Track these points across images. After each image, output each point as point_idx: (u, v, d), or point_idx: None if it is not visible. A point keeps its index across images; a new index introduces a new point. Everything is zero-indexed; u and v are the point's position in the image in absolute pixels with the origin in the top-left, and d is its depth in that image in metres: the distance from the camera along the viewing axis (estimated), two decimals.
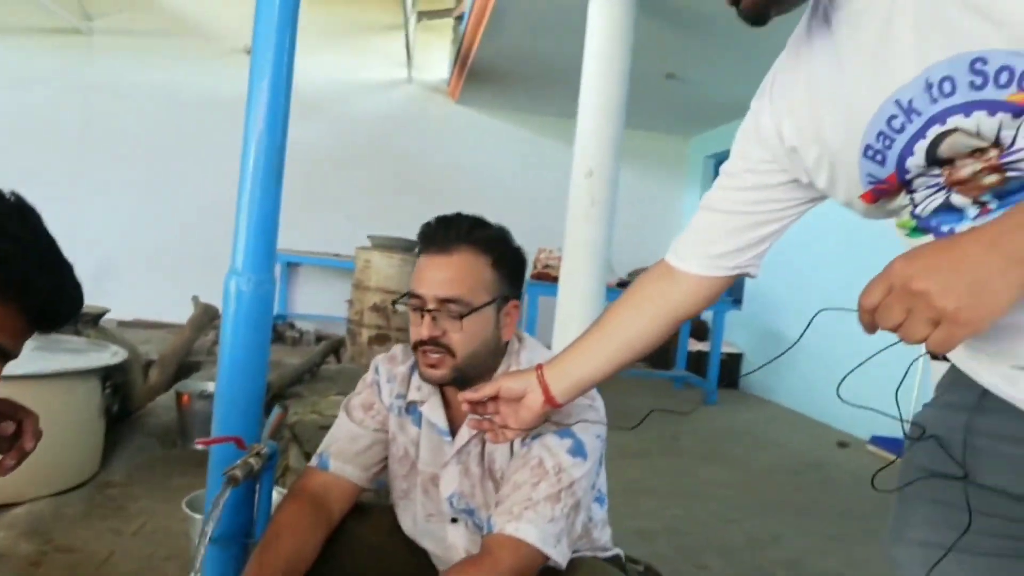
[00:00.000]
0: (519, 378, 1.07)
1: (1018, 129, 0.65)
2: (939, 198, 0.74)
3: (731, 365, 6.11)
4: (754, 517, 3.03)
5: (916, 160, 0.72)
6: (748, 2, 0.76)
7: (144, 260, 6.69)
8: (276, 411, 2.33)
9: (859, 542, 2.81)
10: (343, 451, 1.32)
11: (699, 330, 6.38)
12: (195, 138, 6.68)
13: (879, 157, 0.75)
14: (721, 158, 7.16)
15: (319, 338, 6.22)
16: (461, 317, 1.17)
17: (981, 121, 0.66)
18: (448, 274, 1.18)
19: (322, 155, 6.83)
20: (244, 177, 1.42)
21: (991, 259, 0.60)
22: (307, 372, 4.63)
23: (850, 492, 3.47)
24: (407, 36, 6.16)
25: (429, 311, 1.17)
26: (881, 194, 0.79)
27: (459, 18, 6.44)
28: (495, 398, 1.09)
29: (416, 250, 1.27)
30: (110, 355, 2.77)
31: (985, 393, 0.79)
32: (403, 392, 1.32)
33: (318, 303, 6.94)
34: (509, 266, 1.26)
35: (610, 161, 3.93)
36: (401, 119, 7.09)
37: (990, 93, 0.64)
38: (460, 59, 5.98)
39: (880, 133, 0.73)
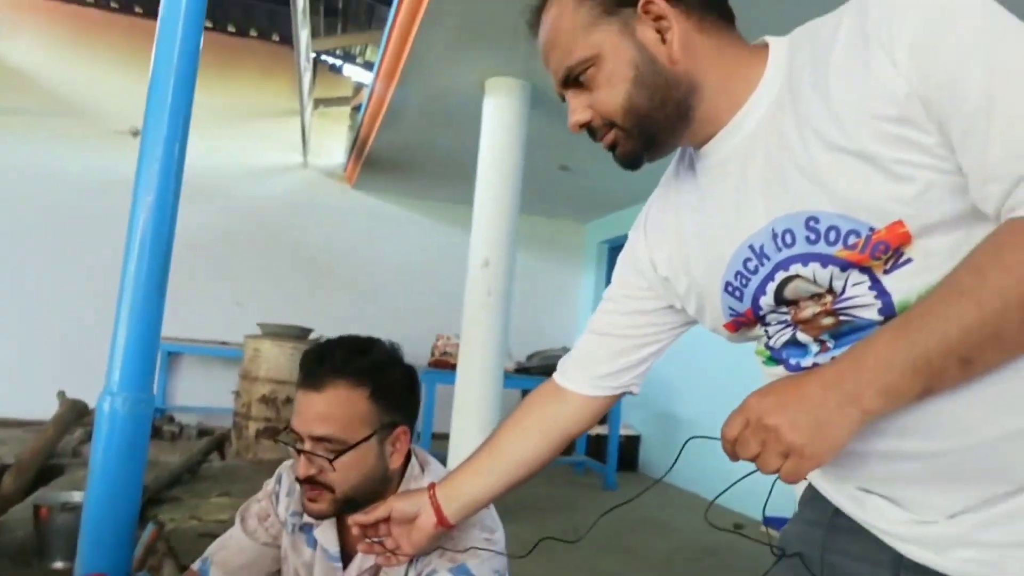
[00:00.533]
0: (411, 499, 1.07)
1: (846, 280, 0.73)
2: (787, 334, 0.81)
3: (629, 447, 6.19)
4: None
5: (767, 299, 0.80)
6: (622, 151, 0.84)
7: (2, 352, 6.13)
8: (150, 529, 2.14)
9: None
10: (227, 561, 1.25)
11: None
12: (68, 221, 6.30)
13: (737, 293, 0.83)
14: (614, 244, 7.46)
15: (201, 433, 5.84)
16: (335, 456, 1.12)
17: (816, 271, 0.74)
18: (320, 411, 1.13)
19: (212, 239, 6.60)
20: (124, 285, 1.33)
21: (830, 398, 0.67)
22: (187, 472, 4.32)
23: None
24: (303, 122, 6.15)
25: (304, 451, 1.13)
26: (740, 325, 0.87)
27: (356, 108, 6.52)
28: (387, 520, 1.07)
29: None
30: None
31: (837, 511, 0.85)
32: (299, 510, 1.26)
33: (201, 395, 6.55)
34: (392, 393, 1.20)
35: (506, 251, 4.00)
36: (296, 204, 6.99)
37: (822, 248, 0.73)
38: (357, 147, 6.01)
39: (738, 272, 0.82)
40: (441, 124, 4.96)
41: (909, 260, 0.70)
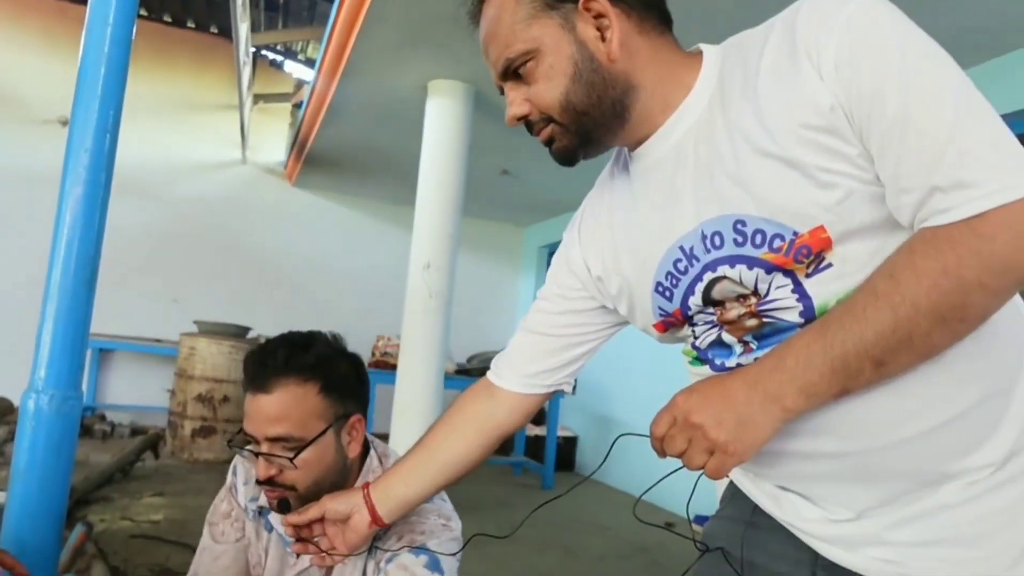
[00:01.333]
0: (345, 499, 1.07)
1: (770, 283, 0.76)
2: (713, 334, 0.84)
3: (567, 448, 6.28)
4: None
5: (695, 299, 0.83)
6: (559, 147, 0.85)
7: None
8: (79, 530, 2.11)
9: None
10: (210, 574, 1.25)
11: (536, 415, 6.52)
12: None
13: (667, 294, 0.85)
14: (553, 248, 7.55)
15: (135, 431, 5.69)
16: (295, 455, 1.12)
17: (743, 272, 0.77)
18: (272, 412, 1.13)
19: (144, 233, 6.42)
20: (51, 280, 1.31)
21: (753, 397, 0.71)
22: (119, 471, 4.22)
23: (676, 575, 3.63)
24: (242, 117, 6.05)
25: (261, 453, 1.13)
26: (669, 325, 0.89)
27: (297, 105, 6.44)
28: (320, 520, 1.08)
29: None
30: None
31: (756, 509, 0.89)
32: (256, 495, 1.27)
33: (134, 393, 6.36)
34: (342, 384, 1.21)
35: (448, 254, 4.02)
36: (235, 200, 6.84)
37: (748, 250, 0.76)
38: (298, 144, 5.94)
39: (668, 273, 0.84)
40: (384, 124, 4.95)
41: (829, 265, 0.73)
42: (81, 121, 1.38)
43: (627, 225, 0.89)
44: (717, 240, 0.77)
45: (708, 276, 0.80)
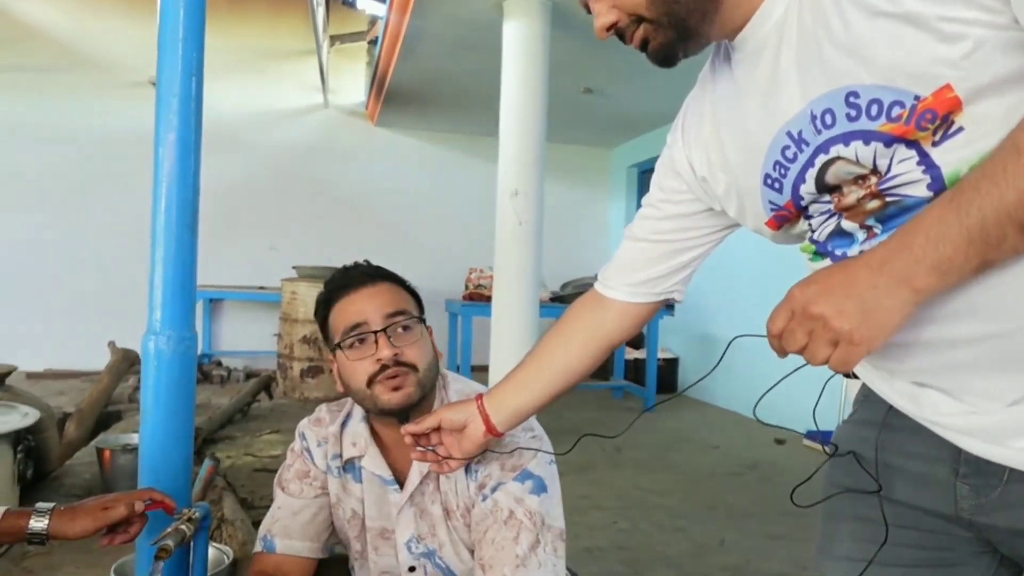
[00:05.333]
0: (460, 409, 1.10)
1: (891, 157, 0.69)
2: (832, 224, 0.78)
3: (668, 370, 6.22)
4: (699, 524, 3.07)
5: (808, 187, 0.76)
6: (655, 45, 0.79)
7: (53, 307, 6.32)
8: (207, 464, 2.23)
9: (800, 540, 2.87)
10: (288, 528, 1.27)
11: (635, 338, 6.46)
12: (101, 177, 6.36)
13: (777, 185, 0.79)
14: (644, 168, 7.32)
15: (248, 375, 6.01)
16: (409, 327, 1.19)
17: (859, 149, 0.70)
18: (384, 296, 1.20)
19: (239, 185, 6.64)
20: (156, 227, 1.34)
21: (879, 280, 0.64)
22: (238, 412, 4.47)
23: (789, 490, 3.55)
24: (320, 61, 6.07)
25: (381, 331, 1.16)
26: (783, 220, 0.83)
27: (372, 42, 6.39)
28: (437, 430, 1.10)
29: (327, 307, 1.25)
30: (20, 417, 2.59)
31: (891, 409, 0.83)
32: (338, 452, 1.27)
33: (245, 339, 6.71)
34: (416, 296, 1.29)
35: (535, 180, 3.95)
36: (319, 145, 6.96)
37: (864, 124, 0.68)
38: (376, 82, 5.92)
39: (776, 163, 0.78)
40: (461, 52, 4.84)
41: (960, 129, 0.65)
42: (168, 66, 1.38)
43: (731, 120, 0.84)
44: (828, 119, 0.71)
45: (821, 159, 0.73)
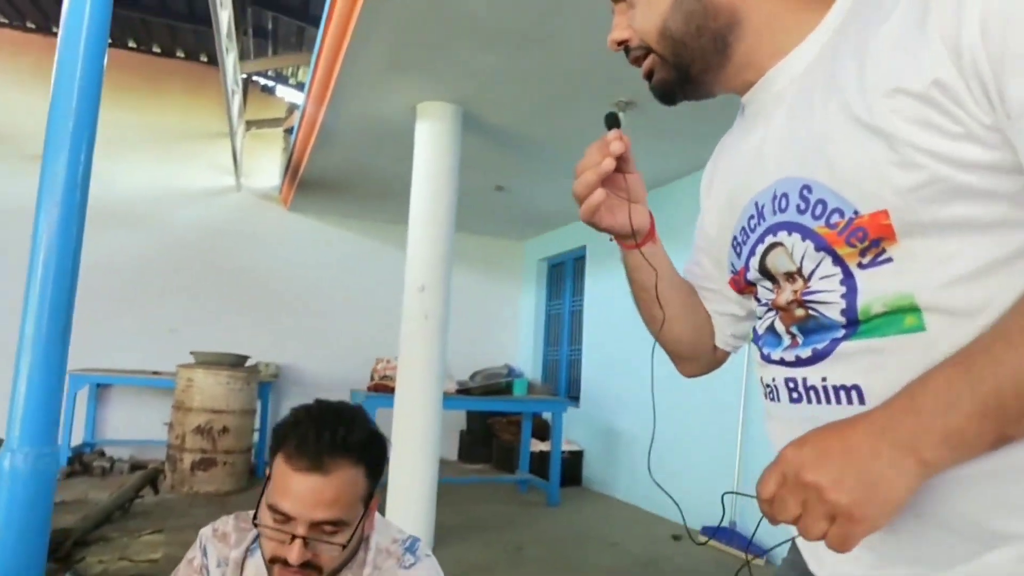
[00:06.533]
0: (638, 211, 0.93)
1: (817, 265, 0.69)
2: (768, 319, 0.78)
3: (573, 463, 6.23)
4: None
5: (754, 263, 0.78)
6: (657, 80, 0.81)
7: None
8: None
9: None
10: None
11: (541, 430, 6.48)
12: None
13: (738, 250, 0.81)
14: (553, 262, 7.54)
15: (134, 467, 5.65)
16: (344, 542, 1.09)
17: (795, 243, 0.71)
18: (327, 496, 1.07)
19: (143, 264, 6.44)
20: (24, 331, 1.28)
21: (882, 448, 0.57)
22: (118, 509, 4.18)
23: None
24: (233, 145, 6.05)
25: (301, 537, 1.07)
26: (738, 286, 0.85)
27: (289, 130, 6.44)
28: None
29: (276, 447, 1.13)
30: None
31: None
32: None
33: (134, 426, 6.33)
34: (379, 465, 1.17)
35: (442, 275, 4.00)
36: (230, 227, 6.84)
37: (807, 220, 0.69)
38: (291, 170, 5.94)
39: (743, 228, 0.80)
40: (375, 146, 4.95)
41: (888, 259, 0.64)
42: (53, 149, 1.36)
43: (727, 172, 0.86)
44: (784, 202, 0.72)
45: (769, 240, 0.75)
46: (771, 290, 0.77)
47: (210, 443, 4.97)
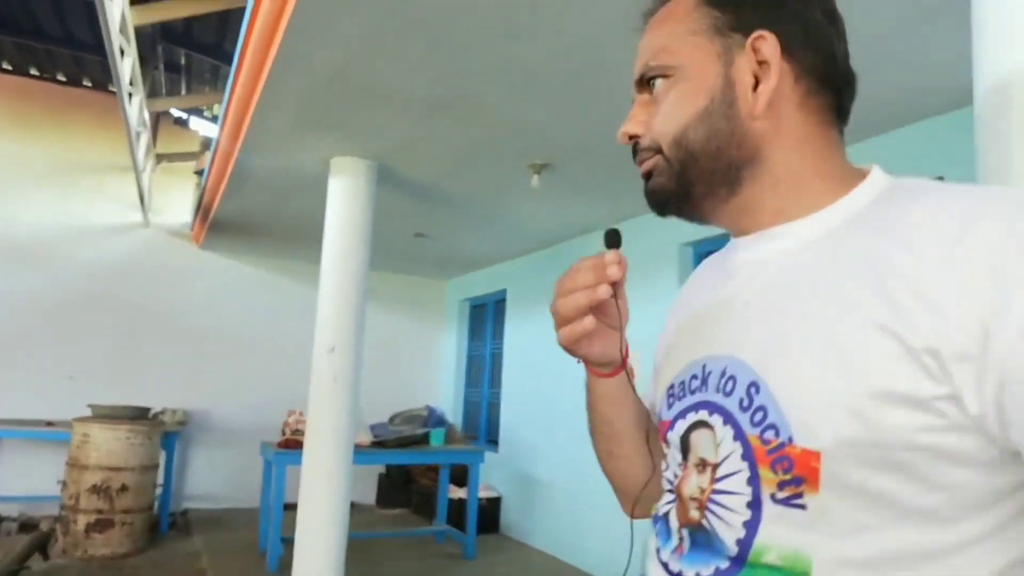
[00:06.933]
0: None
1: (732, 475, 0.64)
2: (669, 506, 0.73)
3: (491, 510, 6.18)
4: None
5: (681, 427, 0.72)
6: (655, 184, 0.74)
7: None
8: None
9: None
10: None
11: (460, 475, 6.41)
12: None
13: (670, 400, 0.76)
14: (475, 303, 7.51)
15: (24, 525, 5.30)
16: None
17: (725, 436, 0.65)
18: None
19: (40, 305, 6.08)
20: None
21: None
22: None
23: None
24: (139, 179, 5.75)
25: None
26: (659, 434, 0.79)
27: (199, 172, 6.23)
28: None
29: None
30: None
31: None
32: None
33: (25, 481, 5.86)
34: None
35: (353, 336, 3.91)
36: (137, 266, 6.50)
37: (743, 419, 0.64)
38: (202, 211, 5.74)
39: (682, 382, 0.74)
40: (289, 195, 4.83)
41: (803, 506, 0.59)
42: None
43: (692, 304, 0.80)
44: (729, 386, 0.66)
45: (702, 414, 0.69)
46: (680, 466, 0.72)
47: (107, 503, 4.70)
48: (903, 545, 0.56)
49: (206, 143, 6.63)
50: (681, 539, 0.68)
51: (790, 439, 0.59)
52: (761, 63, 0.68)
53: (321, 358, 3.87)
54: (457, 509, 5.91)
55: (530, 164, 3.86)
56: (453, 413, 7.50)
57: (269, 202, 5.04)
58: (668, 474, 0.75)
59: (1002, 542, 0.56)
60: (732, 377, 0.66)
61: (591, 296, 0.71)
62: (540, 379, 5.83)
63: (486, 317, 7.30)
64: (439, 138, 3.63)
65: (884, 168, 0.70)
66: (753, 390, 0.63)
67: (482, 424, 7.13)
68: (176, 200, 6.75)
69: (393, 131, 3.57)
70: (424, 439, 5.39)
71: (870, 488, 0.56)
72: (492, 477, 6.41)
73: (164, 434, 5.52)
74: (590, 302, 0.72)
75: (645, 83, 0.74)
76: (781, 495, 0.60)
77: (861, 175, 0.69)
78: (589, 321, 0.73)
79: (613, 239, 0.75)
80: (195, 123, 6.93)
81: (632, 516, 0.88)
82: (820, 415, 0.57)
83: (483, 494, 6.03)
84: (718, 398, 0.67)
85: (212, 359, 6.67)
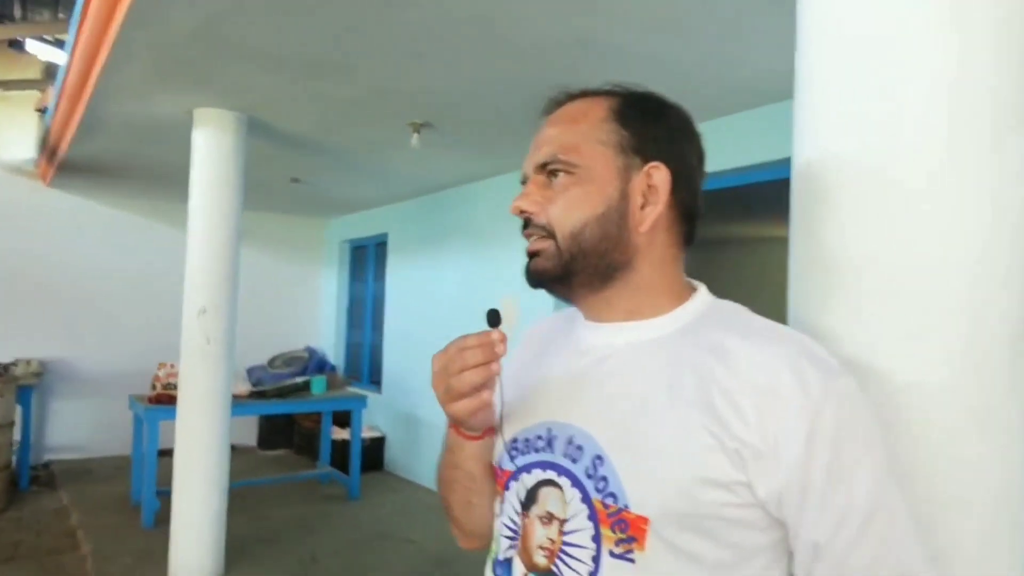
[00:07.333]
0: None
1: (579, 531, 0.75)
2: (510, 551, 0.82)
3: (374, 448, 6.30)
4: None
5: (527, 480, 0.82)
6: (538, 265, 0.82)
7: None
8: None
9: None
10: None
11: (342, 416, 6.45)
12: None
13: (513, 454, 0.85)
14: (356, 244, 7.39)
15: None
16: None
17: (573, 498, 0.76)
18: None
19: None
20: None
21: None
22: None
23: None
24: None
25: None
26: (496, 479, 0.88)
27: (42, 110, 5.66)
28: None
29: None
30: None
31: None
32: None
33: None
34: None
35: (226, 297, 3.79)
36: None
37: (589, 485, 0.76)
38: (47, 152, 5.25)
39: (527, 439, 0.84)
40: (150, 141, 4.50)
41: (632, 560, 0.72)
42: None
43: (538, 369, 0.89)
44: (577, 453, 0.77)
45: (551, 474, 0.79)
46: (518, 514, 0.82)
47: None
48: None
49: (49, 70, 6.02)
50: None
51: (626, 506, 0.72)
52: (651, 187, 0.80)
53: (191, 320, 3.75)
54: (340, 450, 5.99)
55: (409, 123, 3.80)
56: (335, 354, 7.47)
57: (129, 146, 4.68)
58: (504, 519, 0.85)
59: None
60: (580, 447, 0.78)
61: (485, 374, 0.77)
62: (422, 321, 5.91)
63: (367, 259, 7.23)
64: (313, 96, 3.49)
65: (707, 288, 0.87)
66: (598, 462, 0.75)
67: (364, 365, 7.17)
68: (17, 134, 6.11)
69: (263, 87, 3.40)
70: (305, 387, 5.36)
71: (683, 546, 0.71)
72: (375, 418, 6.52)
73: (18, 387, 5.21)
74: (484, 380, 0.77)
75: (544, 169, 0.82)
76: (617, 550, 0.73)
77: (691, 289, 0.85)
78: (487, 395, 0.79)
79: (495, 318, 0.80)
80: (33, 46, 6.22)
81: (465, 547, 1.01)
82: (652, 491, 0.72)
83: (366, 434, 6.12)
84: (565, 462, 0.79)
85: (71, 306, 6.26)
